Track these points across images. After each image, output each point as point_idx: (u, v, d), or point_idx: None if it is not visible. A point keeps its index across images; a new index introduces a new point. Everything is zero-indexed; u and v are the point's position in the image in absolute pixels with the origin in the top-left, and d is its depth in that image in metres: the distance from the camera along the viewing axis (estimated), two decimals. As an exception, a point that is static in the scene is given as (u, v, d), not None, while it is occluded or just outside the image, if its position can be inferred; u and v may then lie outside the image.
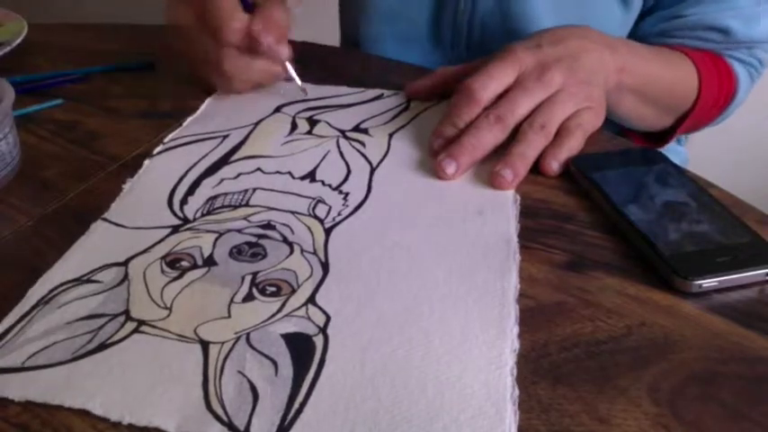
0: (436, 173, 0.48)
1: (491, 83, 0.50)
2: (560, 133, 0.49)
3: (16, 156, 0.49)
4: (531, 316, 0.37)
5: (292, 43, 0.58)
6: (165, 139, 0.53)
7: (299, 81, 0.58)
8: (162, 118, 0.56)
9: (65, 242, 0.42)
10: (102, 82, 0.64)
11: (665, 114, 0.65)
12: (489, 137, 0.48)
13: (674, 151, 0.78)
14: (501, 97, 0.50)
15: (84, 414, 0.32)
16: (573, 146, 0.49)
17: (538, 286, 0.39)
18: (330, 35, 0.84)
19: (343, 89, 0.60)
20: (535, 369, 0.34)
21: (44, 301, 0.37)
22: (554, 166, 0.48)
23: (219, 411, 0.31)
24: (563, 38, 0.52)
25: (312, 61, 0.65)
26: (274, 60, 0.57)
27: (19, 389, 0.32)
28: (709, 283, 0.38)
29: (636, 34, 0.68)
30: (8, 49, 0.64)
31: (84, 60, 0.67)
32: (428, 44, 0.72)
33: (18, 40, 0.65)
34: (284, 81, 0.59)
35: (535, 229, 0.44)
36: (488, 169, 0.48)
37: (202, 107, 0.58)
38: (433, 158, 0.49)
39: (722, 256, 0.39)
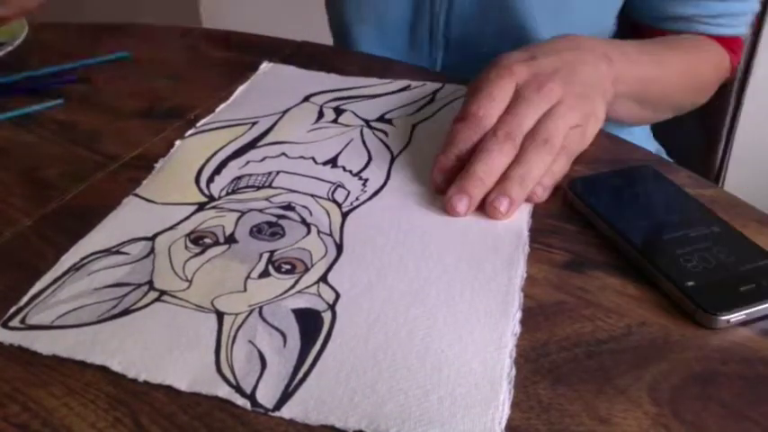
0: (446, 211, 0.44)
1: (494, 105, 0.46)
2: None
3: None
4: (531, 316, 0.37)
5: (292, 43, 0.58)
6: (198, 124, 0.55)
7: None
8: (162, 118, 0.56)
9: (65, 242, 0.42)
10: (102, 82, 0.64)
11: (665, 112, 0.65)
12: (501, 158, 0.44)
13: (646, 140, 0.78)
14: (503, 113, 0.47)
15: (85, 414, 0.32)
16: (557, 170, 0.46)
17: (538, 286, 0.39)
18: (330, 35, 0.84)
19: (372, 80, 0.62)
20: (535, 369, 0.34)
21: (75, 268, 0.40)
22: (538, 192, 0.45)
23: (229, 375, 0.33)
24: (557, 50, 0.50)
25: (312, 61, 0.65)
26: None
27: (47, 344, 0.35)
28: (737, 317, 0.36)
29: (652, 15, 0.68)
30: (8, 49, 0.64)
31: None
32: (407, 45, 0.72)
33: (18, 41, 0.65)
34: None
35: (535, 229, 0.44)
36: None
37: (233, 96, 0.59)
38: (439, 194, 0.46)
39: (745, 285, 0.37)
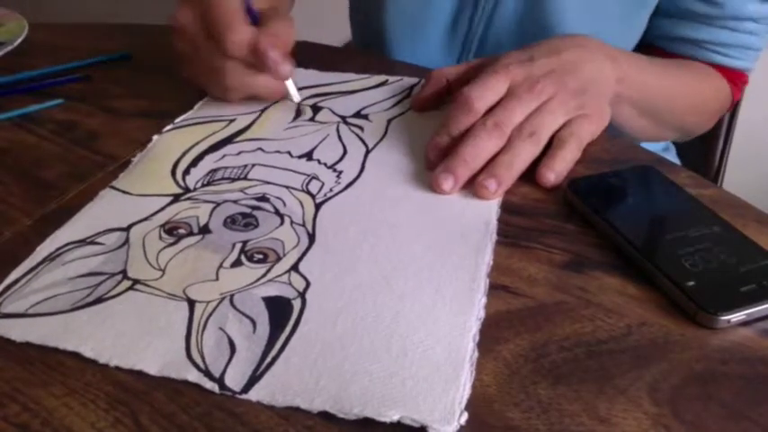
0: (432, 188, 0.46)
1: (487, 93, 0.48)
2: (554, 143, 0.48)
3: None
4: (531, 316, 0.37)
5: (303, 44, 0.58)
6: (176, 120, 0.55)
7: (297, 98, 0.57)
8: (162, 118, 0.56)
9: (65, 242, 0.42)
10: (102, 82, 0.64)
11: (666, 129, 0.65)
12: (489, 144, 0.47)
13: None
14: (494, 107, 0.49)
15: (85, 414, 0.32)
16: (567, 156, 0.48)
17: (538, 286, 0.39)
18: (330, 35, 0.84)
19: (349, 75, 0.63)
20: (535, 369, 0.34)
21: (50, 258, 0.41)
22: (550, 176, 0.47)
23: (198, 360, 0.34)
24: (558, 49, 0.51)
25: (312, 61, 0.65)
26: (276, 77, 0.55)
27: (21, 332, 0.36)
28: (737, 317, 0.36)
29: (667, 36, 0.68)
30: (8, 48, 0.64)
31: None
32: (439, 49, 0.72)
33: (18, 41, 0.65)
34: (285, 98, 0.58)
35: (535, 229, 0.44)
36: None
37: None
38: (429, 170, 0.48)
39: (745, 285, 0.37)
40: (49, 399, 0.33)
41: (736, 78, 0.69)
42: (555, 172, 0.47)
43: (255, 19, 0.55)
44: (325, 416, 0.32)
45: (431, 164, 0.49)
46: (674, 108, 0.63)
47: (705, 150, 0.86)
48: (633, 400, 0.32)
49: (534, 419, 0.32)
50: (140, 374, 0.34)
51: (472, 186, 0.46)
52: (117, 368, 0.34)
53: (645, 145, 0.57)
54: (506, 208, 0.46)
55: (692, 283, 0.37)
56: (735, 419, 0.32)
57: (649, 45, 0.70)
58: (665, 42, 0.68)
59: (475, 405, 0.32)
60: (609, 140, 0.53)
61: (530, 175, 0.48)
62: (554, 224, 0.44)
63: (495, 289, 0.39)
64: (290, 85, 0.57)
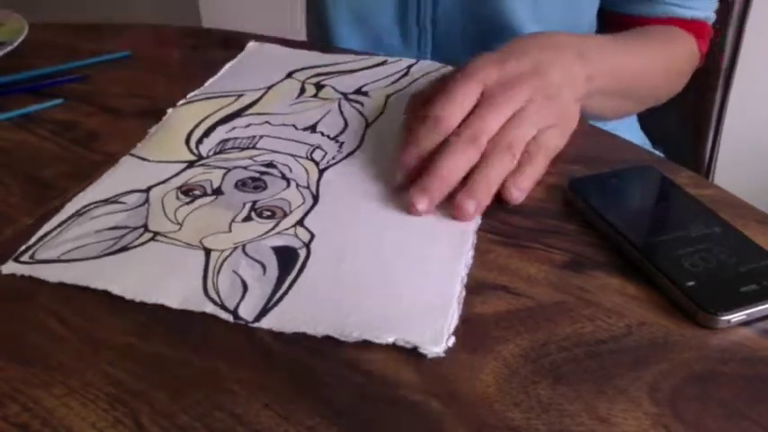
0: (408, 210, 0.44)
1: (456, 109, 0.46)
2: (521, 158, 0.46)
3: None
4: (531, 316, 0.37)
5: (292, 42, 0.58)
6: (188, 95, 0.59)
7: None
8: (162, 117, 0.56)
9: (65, 242, 0.42)
10: (102, 82, 0.64)
11: (637, 104, 0.66)
12: (464, 160, 0.44)
13: (634, 130, 0.79)
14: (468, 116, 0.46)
15: (85, 414, 0.32)
16: (535, 174, 0.46)
17: (538, 286, 0.39)
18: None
19: (350, 56, 0.65)
20: (535, 369, 0.34)
21: (78, 215, 0.45)
22: (515, 194, 0.45)
23: (214, 296, 0.38)
24: (529, 50, 0.49)
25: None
26: None
27: (54, 274, 0.40)
28: (738, 317, 0.36)
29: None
30: (8, 48, 0.64)
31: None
32: (397, 44, 0.73)
33: (18, 41, 0.65)
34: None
35: (535, 229, 0.44)
36: None
37: (222, 71, 0.63)
38: (401, 189, 0.46)
39: (745, 285, 0.37)
40: (49, 399, 0.33)
41: (701, 30, 0.69)
42: (522, 190, 0.46)
43: None
44: (326, 416, 0.32)
45: (400, 185, 0.46)
46: (645, 84, 0.63)
47: (693, 147, 0.87)
48: (633, 400, 0.32)
49: (534, 419, 0.32)
50: (140, 374, 0.34)
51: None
52: (116, 367, 0.34)
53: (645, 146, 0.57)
54: (506, 208, 0.45)
55: (691, 284, 0.37)
56: (735, 419, 0.32)
57: (609, 12, 0.71)
58: (623, 5, 0.69)
59: (475, 405, 0.32)
60: (610, 140, 0.53)
61: (530, 175, 0.48)
62: (554, 224, 0.44)
63: (495, 289, 0.39)
64: None
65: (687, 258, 0.39)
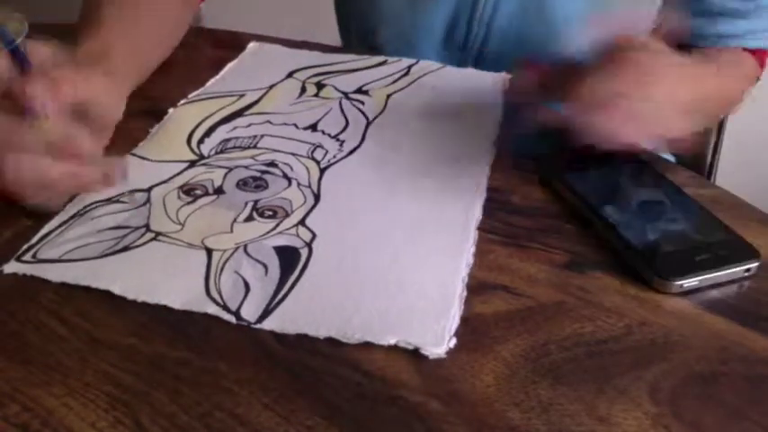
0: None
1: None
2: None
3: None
4: (531, 316, 0.37)
5: (292, 43, 0.58)
6: (190, 95, 0.58)
7: (122, 180, 0.45)
8: (162, 118, 0.56)
9: (65, 242, 0.42)
10: (102, 82, 0.63)
11: (705, 122, 0.67)
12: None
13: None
14: None
15: (85, 414, 0.32)
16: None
17: (538, 286, 0.39)
18: (330, 35, 0.84)
19: (350, 56, 0.65)
20: (535, 369, 0.34)
21: (79, 214, 0.44)
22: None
23: (217, 297, 0.38)
24: (648, 84, 0.45)
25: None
26: (73, 154, 0.41)
27: (56, 274, 0.39)
28: (690, 282, 0.38)
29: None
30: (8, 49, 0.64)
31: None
32: (439, 47, 0.72)
33: (18, 41, 0.65)
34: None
35: (535, 229, 0.44)
36: (469, 122, 0.54)
37: (223, 71, 0.63)
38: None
39: (701, 255, 0.39)
40: (49, 399, 0.33)
41: (764, 55, 0.70)
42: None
43: (27, 65, 0.44)
44: (326, 416, 0.32)
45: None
46: (722, 106, 0.64)
47: (696, 153, 0.86)
48: (633, 400, 0.32)
49: (534, 419, 0.32)
50: (140, 374, 0.34)
51: (466, 151, 0.49)
52: (117, 367, 0.34)
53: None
54: (506, 208, 0.46)
55: (649, 250, 0.39)
56: (735, 419, 0.32)
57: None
58: (698, 40, 0.67)
59: (475, 405, 0.32)
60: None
61: (529, 174, 0.48)
62: (554, 224, 0.44)
63: (495, 289, 0.39)
64: (110, 163, 0.45)
65: (648, 227, 0.41)
